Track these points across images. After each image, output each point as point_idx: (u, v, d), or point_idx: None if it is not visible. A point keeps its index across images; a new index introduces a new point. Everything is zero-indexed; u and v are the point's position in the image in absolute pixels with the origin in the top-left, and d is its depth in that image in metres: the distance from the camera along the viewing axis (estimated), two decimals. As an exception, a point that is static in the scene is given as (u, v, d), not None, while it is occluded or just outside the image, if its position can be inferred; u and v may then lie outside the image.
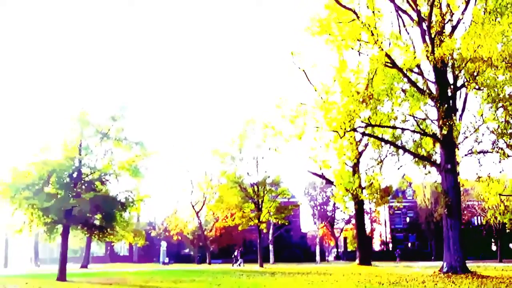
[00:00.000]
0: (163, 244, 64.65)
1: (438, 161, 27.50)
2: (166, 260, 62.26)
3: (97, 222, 25.46)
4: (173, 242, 67.78)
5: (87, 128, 25.02)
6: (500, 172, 39.32)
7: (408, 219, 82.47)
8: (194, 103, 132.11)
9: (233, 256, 52.25)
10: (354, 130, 26.58)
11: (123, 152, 25.80)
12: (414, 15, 26.15)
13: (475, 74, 22.29)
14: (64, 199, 22.53)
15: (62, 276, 23.10)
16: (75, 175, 24.28)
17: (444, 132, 25.11)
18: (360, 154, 40.59)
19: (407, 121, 29.03)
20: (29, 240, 53.23)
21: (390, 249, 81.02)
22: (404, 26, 27.98)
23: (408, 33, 27.82)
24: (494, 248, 72.29)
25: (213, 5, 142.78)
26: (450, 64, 24.85)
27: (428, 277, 21.53)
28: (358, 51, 29.37)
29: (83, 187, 23.81)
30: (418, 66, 26.49)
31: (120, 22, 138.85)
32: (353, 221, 78.37)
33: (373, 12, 25.74)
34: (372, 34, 24.75)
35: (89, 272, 36.14)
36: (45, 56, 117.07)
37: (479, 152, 27.93)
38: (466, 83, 23.60)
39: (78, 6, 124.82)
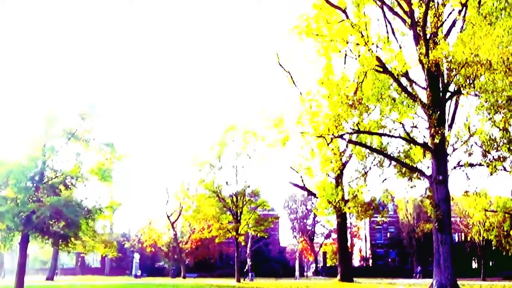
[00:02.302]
0: (136, 256, 61.94)
1: (427, 173, 26.07)
2: (139, 273, 59.58)
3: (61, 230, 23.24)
4: (147, 254, 65.18)
5: (53, 127, 22.94)
6: (486, 187, 38.17)
7: (389, 235, 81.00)
8: (174, 107, 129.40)
9: (245, 270, 49.19)
10: (341, 136, 25.05)
11: (92, 154, 23.77)
12: (406, 18, 24.83)
13: (471, 78, 20.89)
14: (22, 204, 20.33)
15: (19, 288, 20.96)
16: (37, 177, 22.15)
17: (436, 141, 23.61)
18: (344, 165, 39.11)
19: (395, 130, 27.75)
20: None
21: (370, 265, 79.54)
22: (393, 32, 26.75)
23: (397, 40, 26.60)
24: (474, 265, 71.29)
25: (204, 12, 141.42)
26: (443, 68, 23.52)
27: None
28: (345, 55, 28.07)
29: (45, 191, 21.61)
30: (407, 73, 25.17)
31: (109, 22, 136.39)
32: (333, 235, 76.91)
33: (364, 13, 24.50)
34: (362, 36, 23.41)
35: (52, 284, 33.58)
36: (21, 51, 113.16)
37: (469, 165, 26.62)
38: (462, 89, 22.19)
39: (66, 6, 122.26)
